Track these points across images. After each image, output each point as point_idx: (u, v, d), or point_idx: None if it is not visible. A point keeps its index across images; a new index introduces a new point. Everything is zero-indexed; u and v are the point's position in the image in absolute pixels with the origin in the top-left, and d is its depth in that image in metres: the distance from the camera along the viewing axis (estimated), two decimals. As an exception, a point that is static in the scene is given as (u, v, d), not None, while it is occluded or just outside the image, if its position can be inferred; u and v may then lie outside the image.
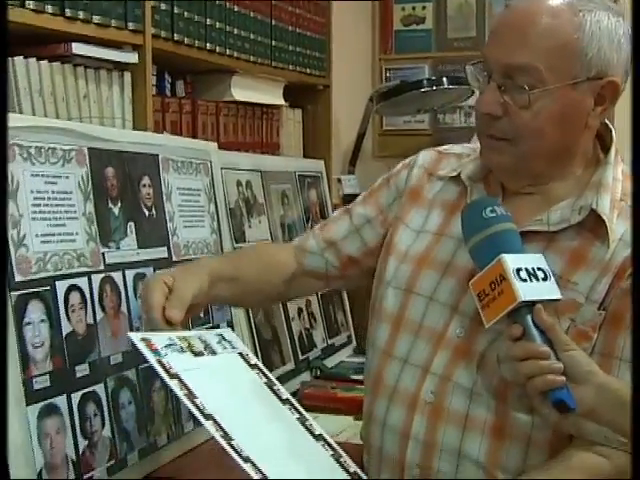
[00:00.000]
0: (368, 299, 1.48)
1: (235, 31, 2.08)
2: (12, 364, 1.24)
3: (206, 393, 1.11)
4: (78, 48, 1.54)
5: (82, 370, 1.38)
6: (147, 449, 1.52)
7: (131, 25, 1.67)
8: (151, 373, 1.44)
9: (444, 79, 2.66)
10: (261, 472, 1.04)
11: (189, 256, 1.73)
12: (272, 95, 2.36)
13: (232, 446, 1.05)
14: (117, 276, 1.51)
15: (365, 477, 1.20)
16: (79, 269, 1.41)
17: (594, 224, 1.24)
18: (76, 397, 1.36)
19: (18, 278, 1.28)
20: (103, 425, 1.41)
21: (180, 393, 1.08)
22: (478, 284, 1.15)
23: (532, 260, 1.14)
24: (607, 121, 1.33)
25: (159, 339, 1.17)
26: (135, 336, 1.16)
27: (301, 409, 1.24)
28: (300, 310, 2.27)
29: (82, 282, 1.42)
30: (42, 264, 1.34)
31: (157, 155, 1.69)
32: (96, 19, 1.57)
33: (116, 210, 1.54)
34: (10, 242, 1.28)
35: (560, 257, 1.24)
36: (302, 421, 1.21)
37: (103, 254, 1.48)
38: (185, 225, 1.75)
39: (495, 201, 1.23)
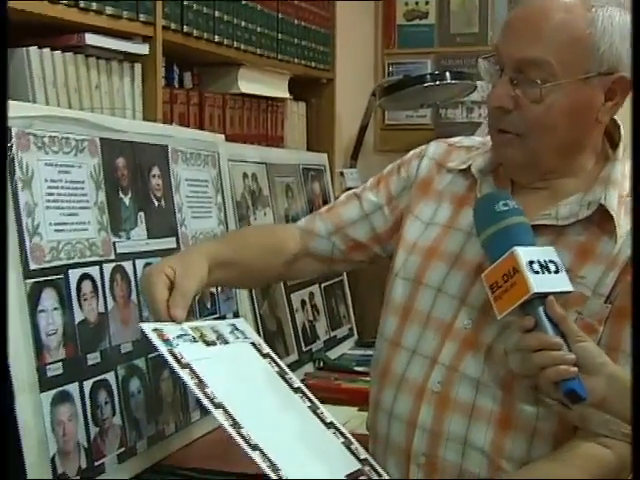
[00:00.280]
0: (370, 292, 1.50)
1: (242, 24, 2.09)
2: (26, 351, 1.25)
3: (217, 382, 1.12)
4: (91, 39, 1.55)
5: (93, 358, 1.40)
6: (156, 437, 1.53)
7: (142, 17, 1.68)
8: (160, 362, 1.46)
9: (447, 74, 2.67)
10: (269, 460, 1.05)
11: (197, 247, 1.74)
12: (277, 88, 2.37)
13: (241, 434, 1.06)
14: (127, 265, 1.52)
15: (376, 464, 1.22)
16: (91, 258, 1.43)
17: (602, 219, 1.26)
18: (88, 385, 1.37)
19: (32, 266, 1.29)
20: (114, 413, 1.42)
21: (190, 383, 1.09)
22: (490, 276, 1.17)
23: (544, 253, 1.16)
24: (616, 117, 1.35)
25: (171, 329, 1.18)
26: (147, 327, 1.17)
27: (313, 397, 1.25)
28: (303, 302, 2.28)
29: (94, 271, 1.43)
30: (56, 253, 1.35)
31: (166, 146, 1.70)
32: (109, 10, 1.59)
33: (127, 200, 1.55)
34: (25, 230, 1.29)
35: (568, 251, 1.25)
36: (313, 409, 1.23)
37: (114, 243, 1.49)
38: (193, 216, 1.77)
39: (508, 195, 1.25)
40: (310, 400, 1.24)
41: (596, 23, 1.23)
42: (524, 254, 1.14)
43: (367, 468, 1.19)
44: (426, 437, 1.29)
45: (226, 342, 1.24)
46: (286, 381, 1.25)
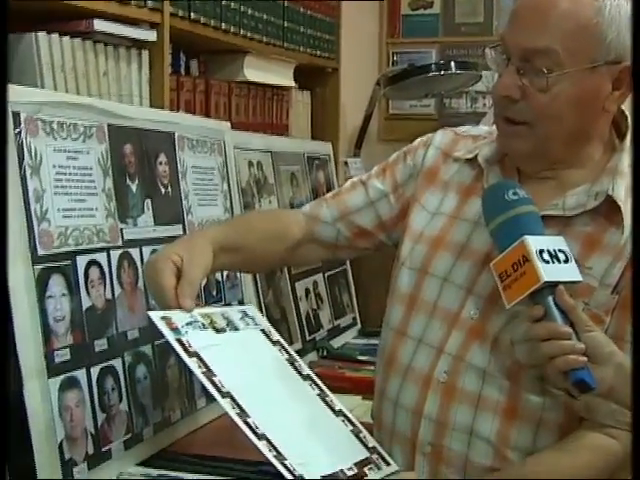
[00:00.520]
0: (373, 281, 1.50)
1: (249, 11, 2.09)
2: (34, 337, 1.26)
3: (225, 370, 1.12)
4: (99, 25, 1.55)
5: (101, 345, 1.40)
6: (162, 424, 1.54)
7: (150, 3, 1.67)
8: (166, 349, 1.46)
9: (452, 64, 2.67)
10: (276, 450, 1.06)
11: (203, 234, 1.74)
12: (283, 76, 2.37)
13: (247, 424, 1.06)
14: (134, 252, 1.52)
15: (384, 453, 1.22)
16: (98, 244, 1.43)
17: (609, 210, 1.26)
18: (95, 371, 1.37)
19: (41, 252, 1.29)
20: (120, 399, 1.43)
21: (198, 372, 1.09)
22: (500, 265, 1.17)
23: (554, 242, 1.16)
24: (623, 107, 1.35)
25: (180, 317, 1.18)
26: (155, 315, 1.17)
27: (322, 385, 1.25)
28: (307, 291, 2.28)
29: (101, 257, 1.43)
30: (64, 239, 1.35)
31: (173, 133, 1.70)
32: (117, -4, 1.58)
33: (134, 187, 1.55)
34: (33, 216, 1.29)
35: (575, 242, 1.25)
36: (322, 397, 1.23)
37: (121, 230, 1.49)
38: (199, 203, 1.77)
39: (517, 184, 1.25)
40: (319, 387, 1.25)
41: (603, 12, 1.22)
42: (534, 243, 1.15)
43: (375, 456, 1.20)
44: (432, 427, 1.29)
45: (236, 329, 1.24)
46: (295, 368, 1.25)
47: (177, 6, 1.78)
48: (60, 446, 1.27)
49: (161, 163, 1.65)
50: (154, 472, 1.43)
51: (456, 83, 2.80)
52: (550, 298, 1.14)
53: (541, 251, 1.14)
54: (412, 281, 1.38)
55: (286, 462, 1.07)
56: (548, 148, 1.28)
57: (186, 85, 1.92)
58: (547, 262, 1.13)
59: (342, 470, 1.13)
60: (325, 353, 2.24)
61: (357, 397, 1.89)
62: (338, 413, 1.22)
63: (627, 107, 1.31)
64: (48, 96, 1.36)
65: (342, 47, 2.72)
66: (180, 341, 1.14)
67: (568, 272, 1.15)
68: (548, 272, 1.12)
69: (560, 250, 1.16)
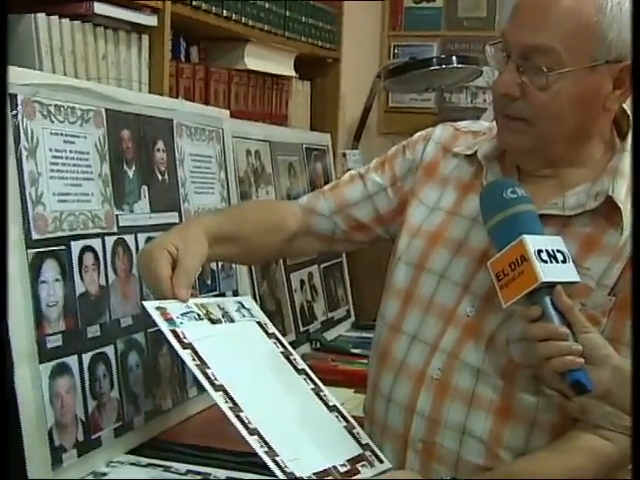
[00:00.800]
0: (368, 274, 1.49)
1: (251, -1, 2.07)
2: (26, 322, 1.24)
3: (219, 362, 1.11)
4: (99, 8, 1.53)
5: (93, 331, 1.39)
6: (153, 412, 1.53)
7: (151, -12, 1.66)
8: (159, 337, 1.44)
9: (453, 58, 2.65)
10: (268, 445, 1.05)
11: (199, 223, 1.73)
12: (283, 66, 2.35)
13: (239, 418, 1.05)
14: (129, 239, 1.51)
15: (377, 450, 1.21)
16: (93, 230, 1.41)
17: (609, 210, 1.25)
18: (87, 358, 1.36)
19: (35, 236, 1.28)
20: (112, 387, 1.42)
21: (191, 364, 1.08)
22: (497, 264, 1.16)
23: (552, 242, 1.15)
24: (625, 106, 1.34)
25: (175, 307, 1.17)
26: (150, 305, 1.16)
27: (316, 380, 1.24)
28: (302, 282, 2.28)
29: (96, 243, 1.42)
30: (58, 223, 1.33)
31: (172, 120, 1.68)
32: (118, -21, 1.57)
33: (130, 173, 1.53)
34: (28, 199, 1.28)
35: (573, 242, 1.24)
36: (317, 392, 1.22)
37: (117, 216, 1.48)
38: (196, 191, 1.75)
39: (515, 182, 1.24)
40: (314, 382, 1.24)
41: (605, 10, 1.20)
42: (533, 242, 1.14)
43: (368, 453, 1.19)
44: (424, 424, 1.29)
45: (232, 320, 1.23)
46: (290, 362, 1.24)
47: (179, -9, 1.76)
48: (50, 432, 1.26)
49: (159, 150, 1.63)
50: (144, 461, 1.42)
51: (457, 78, 2.78)
52: (547, 298, 1.13)
53: (539, 251, 1.13)
54: (408, 276, 1.37)
55: (277, 458, 1.06)
56: (547, 146, 1.27)
57: (186, 72, 1.90)
58: (545, 262, 1.12)
59: (335, 467, 1.12)
60: (318, 345, 2.23)
61: (349, 390, 1.89)
62: (332, 409, 1.21)
63: (629, 106, 1.30)
64: (46, 78, 1.34)
65: (343, 38, 2.70)
66: (174, 332, 1.13)
67: (566, 272, 1.14)
68: (546, 272, 1.11)
69: (558, 250, 1.15)
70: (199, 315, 1.18)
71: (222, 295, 1.82)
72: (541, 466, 1.21)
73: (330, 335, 2.34)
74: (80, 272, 1.37)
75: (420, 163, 1.45)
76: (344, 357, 2.12)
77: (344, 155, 2.81)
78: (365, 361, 1.79)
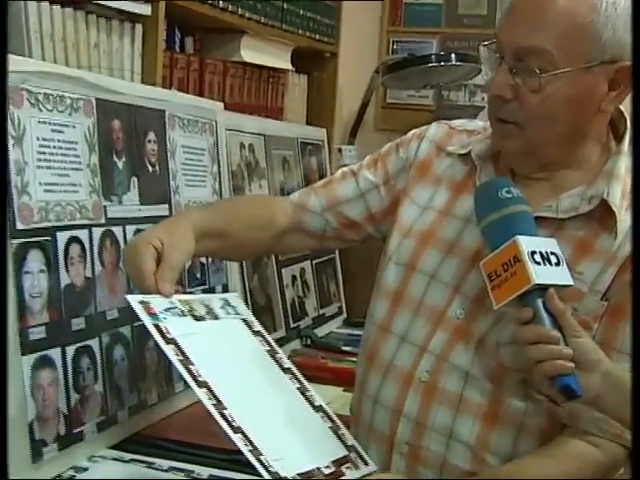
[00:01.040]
0: (361, 271, 1.48)
1: (248, -10, 2.04)
2: (9, 313, 1.22)
3: (203, 359, 1.09)
4: (92, -5, 1.50)
5: (78, 324, 1.37)
6: (137, 407, 1.51)
7: (146, -24, 1.63)
8: (145, 331, 1.42)
9: (452, 55, 2.63)
10: (252, 444, 1.03)
11: (189, 216, 1.70)
12: (280, 59, 2.33)
13: (224, 416, 1.03)
14: (117, 231, 1.49)
15: (363, 452, 1.20)
16: (80, 221, 1.39)
17: (603, 214, 1.23)
18: (71, 350, 1.34)
19: (20, 226, 1.26)
20: (95, 380, 1.40)
21: (175, 359, 1.06)
22: (489, 264, 1.14)
23: (546, 244, 1.13)
24: (622, 108, 1.31)
25: (159, 302, 1.15)
26: (133, 299, 1.14)
27: (302, 379, 1.22)
28: (294, 278, 2.26)
29: (83, 234, 1.40)
30: (44, 213, 1.31)
31: (164, 111, 1.66)
32: (112, -33, 1.54)
33: (120, 164, 1.51)
34: (13, 189, 1.25)
35: (567, 245, 1.22)
36: (302, 391, 1.20)
37: (105, 207, 1.46)
38: (187, 184, 1.73)
39: (511, 182, 1.22)
40: (299, 381, 1.22)
41: (599, 10, 1.18)
42: (526, 243, 1.12)
43: (353, 455, 1.17)
44: (411, 426, 1.27)
45: (216, 317, 1.21)
46: (276, 361, 1.22)
47: (174, -19, 1.74)
48: (30, 426, 1.24)
49: (150, 141, 1.61)
50: (127, 456, 1.41)
51: (455, 75, 2.76)
52: (539, 301, 1.11)
53: (533, 252, 1.11)
54: (398, 276, 1.36)
55: (262, 457, 1.04)
56: (541, 149, 1.25)
57: (180, 62, 1.88)
58: (538, 264, 1.11)
59: (319, 468, 1.10)
60: (309, 342, 2.22)
61: (338, 389, 1.87)
62: (318, 409, 1.19)
63: (626, 107, 1.28)
64: (35, 66, 1.31)
65: (342, 32, 2.67)
66: (158, 327, 1.10)
67: (559, 275, 1.12)
68: (539, 274, 1.10)
69: (552, 252, 1.13)
70: (183, 311, 1.16)
71: (211, 289, 1.80)
72: (528, 471, 1.20)
73: (321, 332, 2.32)
74: (66, 263, 1.35)
75: (413, 162, 1.43)
76: (334, 354, 2.10)
77: (340, 150, 2.79)
78: (355, 359, 1.77)
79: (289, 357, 1.99)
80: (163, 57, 1.78)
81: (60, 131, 1.36)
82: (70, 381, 1.33)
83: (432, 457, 1.25)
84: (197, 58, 1.96)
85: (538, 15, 1.19)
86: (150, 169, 1.61)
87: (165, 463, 1.38)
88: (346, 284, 2.55)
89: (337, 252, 2.50)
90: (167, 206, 1.65)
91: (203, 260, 1.78)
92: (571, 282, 1.13)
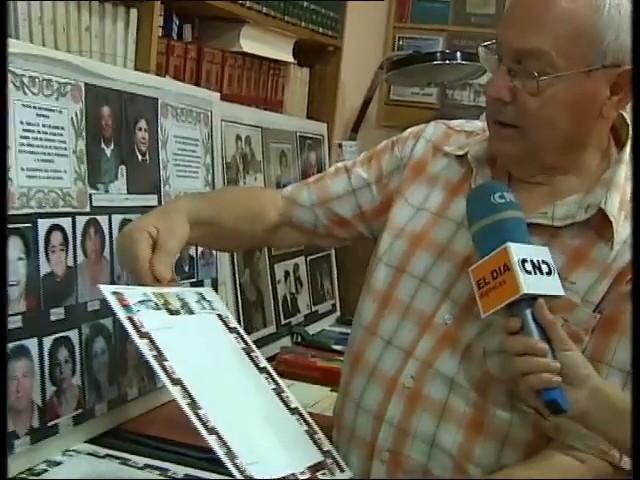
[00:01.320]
0: (357, 268, 1.44)
1: (250, -21, 2.00)
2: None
3: (177, 355, 1.06)
4: (84, -24, 1.47)
5: (57, 314, 1.33)
6: (117, 401, 1.48)
7: (143, -41, 1.59)
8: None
9: (458, 54, 2.60)
10: (227, 446, 1.00)
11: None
12: (281, 50, 2.29)
13: (198, 415, 1.00)
14: (103, 220, 1.46)
15: (339, 457, 1.16)
16: (63, 209, 1.36)
17: (600, 223, 1.19)
18: (48, 341, 1.31)
19: (-1, 212, 1.22)
20: (73, 373, 1.36)
21: (148, 354, 1.03)
22: (478, 271, 1.10)
23: (538, 252, 1.10)
24: (625, 114, 1.27)
25: (132, 293, 1.11)
26: (107, 289, 1.10)
27: (278, 379, 1.19)
28: (287, 273, 2.22)
29: (65, 222, 1.36)
30: (25, 200, 1.28)
31: (157, 99, 1.62)
32: (105, -52, 1.50)
33: (108, 151, 1.48)
34: (-7, 173, 1.22)
35: (561, 254, 1.19)
36: (278, 392, 1.17)
37: (90, 195, 1.43)
38: (179, 174, 1.70)
39: (505, 187, 1.18)
40: (275, 382, 1.18)
41: (602, 11, 1.14)
42: (517, 251, 1.08)
43: (329, 461, 1.14)
44: (392, 433, 1.24)
45: (191, 312, 1.17)
46: (252, 359, 1.18)
47: (173, -34, 1.70)
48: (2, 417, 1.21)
49: (140, 129, 1.57)
50: (102, 451, 1.38)
51: (460, 74, 2.72)
52: (528, 311, 1.07)
53: (524, 260, 1.07)
54: (388, 278, 1.32)
55: (237, 461, 1.01)
56: (539, 154, 1.22)
57: (177, 50, 1.84)
58: (529, 273, 1.07)
59: (294, 474, 1.07)
60: (299, 339, 2.18)
61: (325, 389, 1.84)
62: (293, 411, 1.16)
63: (629, 114, 1.24)
64: (20, 47, 1.27)
65: (347, 26, 2.63)
66: (131, 319, 1.07)
67: (550, 285, 1.09)
68: (529, 283, 1.06)
69: (544, 261, 1.09)
70: (157, 304, 1.13)
71: (200, 283, 1.76)
72: None
73: (313, 329, 2.29)
74: (46, 252, 1.31)
75: (408, 161, 1.39)
76: (324, 353, 2.06)
77: (340, 146, 2.75)
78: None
79: (278, 354, 2.01)
80: (159, 44, 1.75)
81: (45, 116, 1.32)
82: (46, 372, 1.30)
83: (413, 465, 1.22)
84: (195, 46, 1.92)
85: (538, 16, 1.15)
86: (140, 158, 1.57)
87: (141, 460, 1.35)
88: (341, 281, 2.51)
89: (333, 249, 2.46)
90: (156, 196, 1.62)
91: (192, 253, 1.74)
92: (562, 293, 1.10)
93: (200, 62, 1.93)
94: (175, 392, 1.02)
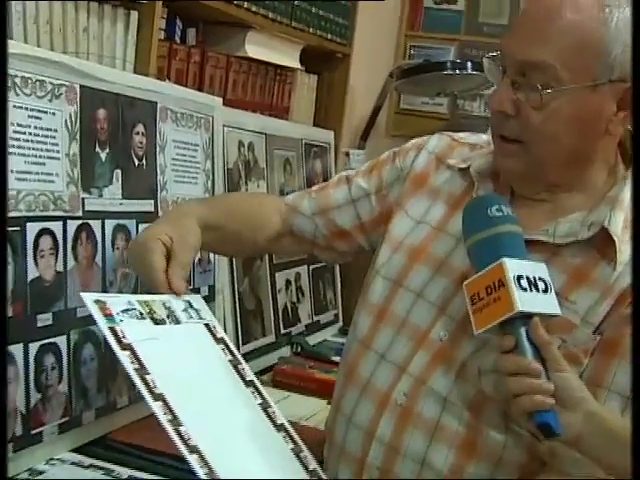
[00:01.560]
0: (361, 279, 1.42)
1: (257, -17, 1.97)
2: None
3: (160, 368, 1.03)
4: (82, -23, 1.44)
5: (44, 319, 1.31)
6: (105, 409, 1.45)
7: (144, -38, 1.57)
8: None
9: (468, 64, 2.56)
10: (208, 466, 0.96)
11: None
12: (288, 56, 2.26)
13: (179, 433, 0.97)
14: (96, 225, 1.43)
15: (324, 477, 1.13)
16: (54, 212, 1.33)
17: (603, 242, 1.16)
18: (34, 347, 1.29)
19: (-15, 215, 1.20)
20: (60, 380, 1.34)
21: (130, 367, 1.00)
22: (473, 286, 1.07)
23: (534, 269, 1.06)
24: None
25: (116, 302, 1.09)
26: (88, 297, 1.08)
27: (265, 394, 1.15)
28: (288, 282, 2.19)
29: (56, 226, 1.34)
30: (14, 203, 1.26)
31: (156, 103, 1.60)
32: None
33: (103, 155, 1.45)
34: (-19, 175, 1.19)
35: (561, 272, 1.15)
36: (264, 407, 1.13)
37: (83, 200, 1.40)
38: (176, 180, 1.67)
39: (503, 200, 1.15)
40: (262, 396, 1.15)
41: (609, 24, 1.11)
42: (513, 267, 1.05)
43: None
44: (383, 451, 1.21)
45: (177, 321, 1.14)
46: (238, 372, 1.15)
47: (176, -31, 1.67)
48: (-17, 424, 1.18)
49: (138, 133, 1.55)
50: (87, 461, 1.35)
51: (471, 84, 2.68)
52: (523, 330, 1.04)
53: (519, 277, 1.04)
54: (385, 292, 1.30)
55: None
56: (542, 170, 1.18)
57: (179, 54, 1.81)
58: (525, 290, 1.03)
59: None
60: (299, 349, 2.15)
61: (322, 401, 1.81)
62: (279, 428, 1.12)
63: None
64: (13, 47, 1.25)
65: (357, 34, 2.60)
66: (113, 330, 1.04)
67: (546, 303, 1.05)
68: (524, 301, 1.02)
69: (540, 278, 1.05)
70: (141, 313, 1.10)
71: (197, 290, 1.74)
72: None
73: (314, 339, 2.26)
74: (35, 256, 1.29)
75: (409, 173, 1.37)
76: (323, 365, 2.02)
77: (347, 154, 2.72)
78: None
79: (275, 364, 1.97)
80: (161, 47, 1.72)
81: (38, 117, 1.30)
82: (31, 379, 1.27)
83: (402, 485, 1.19)
84: (198, 50, 1.89)
85: (543, 27, 1.12)
86: (136, 162, 1.55)
87: (125, 472, 1.32)
88: (344, 291, 2.48)
89: (336, 260, 2.43)
90: (153, 202, 1.59)
91: (189, 260, 1.71)
92: (558, 312, 1.06)
93: (203, 66, 1.90)
94: (156, 408, 0.99)
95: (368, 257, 1.52)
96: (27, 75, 1.27)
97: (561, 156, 1.17)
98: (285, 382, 1.89)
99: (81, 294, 1.10)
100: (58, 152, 1.34)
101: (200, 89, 1.89)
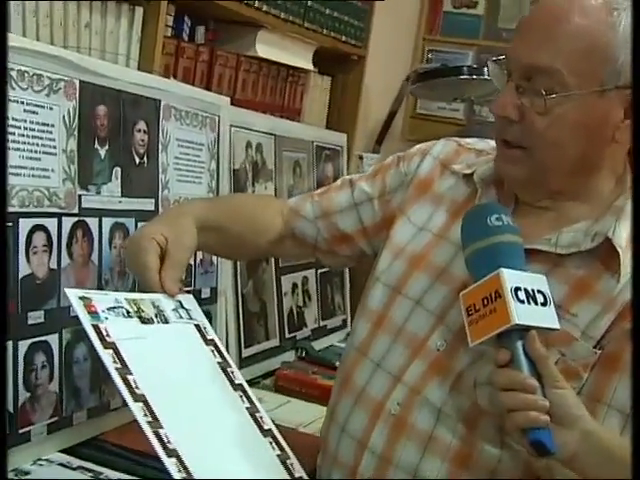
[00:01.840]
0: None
1: (269, -18, 1.95)
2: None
3: (144, 369, 1.00)
4: (85, -28, 1.42)
5: (36, 317, 1.29)
6: (98, 409, 1.43)
7: (150, -43, 1.55)
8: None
9: (485, 69, 2.51)
10: (186, 470, 0.93)
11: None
12: (300, 57, 2.23)
13: (158, 435, 0.94)
14: (92, 222, 1.41)
15: (310, 486, 1.10)
16: (49, 209, 1.31)
17: (607, 254, 1.12)
18: (24, 345, 1.27)
19: (-24, 209, 1.18)
20: (51, 379, 1.32)
21: (111, 367, 0.97)
22: (469, 297, 1.04)
23: (533, 281, 1.02)
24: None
25: (102, 299, 1.06)
26: (72, 293, 1.05)
27: (254, 398, 1.12)
28: (295, 286, 2.16)
29: (50, 223, 1.32)
30: (7, 198, 1.23)
31: (159, 100, 1.57)
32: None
33: (102, 152, 1.43)
34: (-27, 169, 1.17)
35: (563, 283, 1.12)
36: (252, 412, 1.10)
37: (79, 197, 1.38)
38: (179, 179, 1.65)
39: (503, 209, 1.11)
40: (250, 400, 1.11)
41: (617, 29, 1.07)
42: (511, 278, 1.01)
43: None
44: (375, 461, 1.18)
45: (166, 321, 1.12)
46: (227, 375, 1.12)
47: (184, -35, 1.65)
48: (-31, 422, 1.17)
49: (139, 131, 1.52)
50: (76, 462, 1.32)
51: (488, 90, 2.63)
52: (519, 343, 1.00)
53: (517, 289, 1.00)
54: (384, 298, 1.27)
55: None
56: (545, 177, 1.15)
57: (187, 52, 1.79)
58: (522, 302, 1.00)
59: None
60: (304, 354, 2.11)
61: (323, 408, 1.74)
62: (266, 433, 1.09)
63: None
64: (9, 40, 1.22)
65: (373, 36, 2.56)
66: (97, 328, 1.02)
67: (544, 317, 1.01)
68: (521, 313, 0.99)
69: (539, 291, 1.02)
70: (128, 312, 1.07)
71: (198, 292, 1.71)
72: None
73: (321, 344, 2.22)
74: (27, 252, 1.27)
75: (413, 178, 1.34)
76: (327, 370, 1.99)
77: (360, 158, 2.69)
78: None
79: (278, 369, 1.94)
80: (168, 45, 1.70)
81: (34, 112, 1.28)
82: (20, 377, 1.25)
83: (393, 497, 1.15)
84: (207, 49, 1.87)
85: (549, 31, 1.09)
86: (137, 160, 1.52)
87: (113, 474, 1.29)
88: (353, 296, 2.44)
89: (344, 264, 2.39)
90: (153, 201, 1.57)
91: (191, 261, 1.69)
92: (557, 326, 1.02)
93: (212, 65, 1.87)
94: (135, 409, 0.96)
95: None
96: (24, 69, 1.25)
97: (565, 163, 1.13)
98: (287, 387, 1.86)
99: (65, 290, 1.08)
100: (55, 148, 1.32)
101: (208, 88, 1.86)
